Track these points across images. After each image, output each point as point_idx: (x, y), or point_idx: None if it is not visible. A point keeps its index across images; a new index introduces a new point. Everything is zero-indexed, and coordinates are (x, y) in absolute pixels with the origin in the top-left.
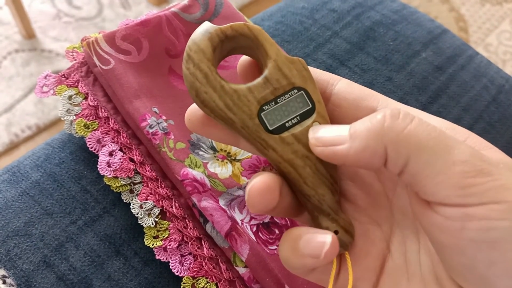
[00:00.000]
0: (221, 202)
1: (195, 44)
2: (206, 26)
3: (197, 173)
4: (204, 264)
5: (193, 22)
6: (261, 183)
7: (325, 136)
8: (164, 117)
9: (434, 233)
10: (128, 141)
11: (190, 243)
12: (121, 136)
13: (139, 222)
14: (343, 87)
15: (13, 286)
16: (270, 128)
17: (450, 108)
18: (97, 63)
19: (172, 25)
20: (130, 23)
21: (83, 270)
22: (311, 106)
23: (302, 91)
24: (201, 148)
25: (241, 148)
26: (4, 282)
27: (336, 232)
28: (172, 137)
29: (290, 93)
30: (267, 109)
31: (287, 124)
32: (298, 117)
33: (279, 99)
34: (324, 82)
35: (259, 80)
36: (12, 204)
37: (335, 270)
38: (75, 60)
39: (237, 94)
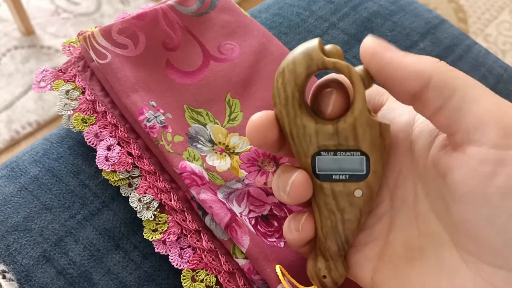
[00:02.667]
0: (220, 195)
1: (293, 63)
2: (312, 48)
3: (195, 166)
4: (203, 256)
5: (190, 15)
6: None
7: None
8: (161, 111)
9: (460, 181)
10: (126, 135)
11: (189, 236)
12: (119, 130)
13: (138, 215)
14: None
15: (12, 281)
16: (317, 172)
17: None
18: (94, 57)
19: (169, 18)
20: (127, 17)
21: (82, 264)
22: (364, 173)
23: (364, 157)
24: (200, 141)
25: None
26: (4, 277)
27: (324, 277)
28: (170, 130)
29: (352, 152)
30: (323, 155)
31: (333, 177)
32: (346, 176)
33: (339, 152)
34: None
35: (329, 127)
36: (11, 199)
37: None
38: (72, 54)
39: (303, 130)
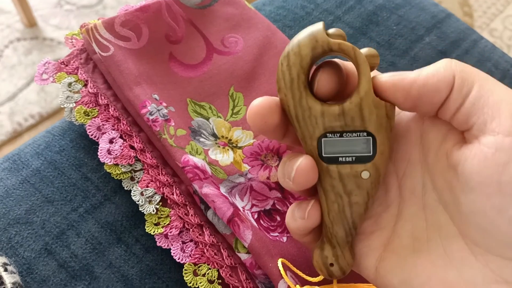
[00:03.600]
0: (222, 190)
1: (298, 45)
2: (317, 31)
3: (198, 160)
4: (205, 250)
5: (193, 7)
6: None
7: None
8: (164, 104)
9: (473, 170)
10: (129, 128)
11: (191, 230)
12: (121, 123)
13: (140, 209)
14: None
15: (14, 273)
16: (323, 155)
17: None
18: (97, 50)
19: (172, 10)
20: (130, 9)
21: (84, 257)
22: (371, 154)
23: (371, 137)
24: (202, 135)
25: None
26: (6, 270)
27: (331, 265)
28: (173, 124)
29: (358, 133)
30: (330, 137)
31: (340, 159)
32: (353, 157)
33: (345, 134)
34: None
35: (335, 108)
36: (13, 192)
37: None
38: (75, 47)
39: (309, 113)
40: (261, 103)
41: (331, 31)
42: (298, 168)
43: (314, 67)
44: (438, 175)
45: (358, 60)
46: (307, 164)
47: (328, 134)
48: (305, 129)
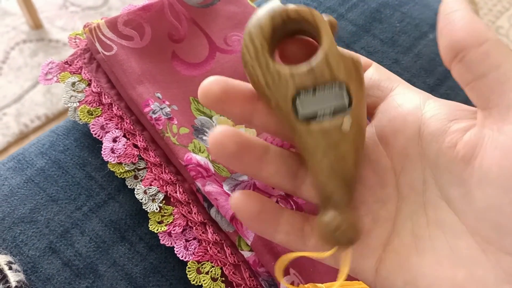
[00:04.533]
0: (225, 187)
1: (257, 19)
2: (273, 4)
3: (201, 158)
4: (209, 248)
5: (196, 6)
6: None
7: None
8: (167, 103)
9: (492, 163)
10: (132, 127)
11: (194, 228)
12: (125, 122)
13: (144, 207)
14: (371, 69)
15: (19, 272)
16: (300, 115)
17: (458, 90)
18: (100, 49)
19: (175, 9)
20: (132, 8)
21: (88, 255)
22: (347, 103)
23: (344, 86)
24: (205, 133)
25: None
26: (10, 268)
27: (335, 230)
28: (176, 122)
29: (330, 85)
30: (303, 95)
31: (318, 115)
32: (330, 111)
33: (318, 89)
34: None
35: (303, 66)
36: (17, 191)
37: (331, 254)
38: (78, 47)
39: (278, 75)
40: (221, 132)
41: (290, 5)
42: (210, 137)
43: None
44: (442, 170)
45: (317, 20)
46: (222, 131)
47: (301, 93)
48: (278, 93)
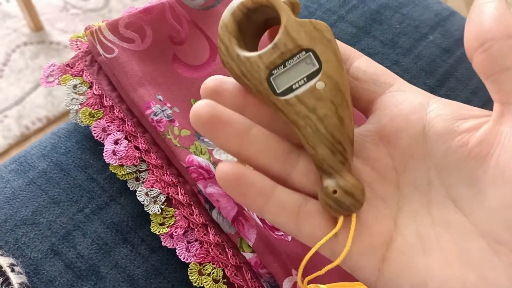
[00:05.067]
0: None
1: (222, 20)
2: (233, 3)
3: (202, 160)
4: (210, 250)
5: (197, 9)
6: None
7: None
8: (168, 105)
9: (510, 158)
10: (133, 129)
11: (196, 229)
12: (126, 125)
13: (145, 209)
14: (363, 61)
15: (21, 274)
16: (278, 91)
17: (459, 91)
18: (101, 52)
19: (176, 12)
20: (133, 11)
21: (90, 257)
22: (318, 66)
23: (310, 52)
24: None
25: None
26: (13, 270)
27: (334, 192)
28: (177, 124)
29: (298, 55)
30: (276, 73)
31: (294, 87)
32: (304, 79)
33: (287, 62)
34: (344, 55)
35: (269, 46)
36: (19, 193)
37: (335, 232)
38: (80, 49)
39: (249, 62)
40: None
41: None
42: (191, 113)
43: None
44: (451, 169)
45: (272, 2)
46: (202, 102)
47: (273, 71)
48: (253, 78)
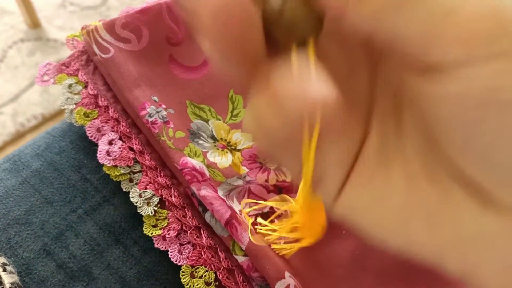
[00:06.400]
0: (220, 192)
1: None
2: None
3: (196, 162)
4: (203, 253)
5: None
6: None
7: None
8: (163, 106)
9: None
10: (128, 130)
11: (189, 232)
12: (121, 125)
13: (138, 211)
14: None
15: (13, 273)
16: None
17: None
18: (97, 51)
19: (173, 12)
20: (130, 11)
21: (83, 258)
22: None
23: None
24: (201, 137)
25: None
26: (5, 270)
27: (279, 15)
28: (172, 126)
29: None
30: None
31: None
32: None
33: None
34: None
35: None
36: (12, 192)
37: None
38: (76, 48)
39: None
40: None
41: None
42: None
43: None
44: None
45: None
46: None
47: None
48: None
